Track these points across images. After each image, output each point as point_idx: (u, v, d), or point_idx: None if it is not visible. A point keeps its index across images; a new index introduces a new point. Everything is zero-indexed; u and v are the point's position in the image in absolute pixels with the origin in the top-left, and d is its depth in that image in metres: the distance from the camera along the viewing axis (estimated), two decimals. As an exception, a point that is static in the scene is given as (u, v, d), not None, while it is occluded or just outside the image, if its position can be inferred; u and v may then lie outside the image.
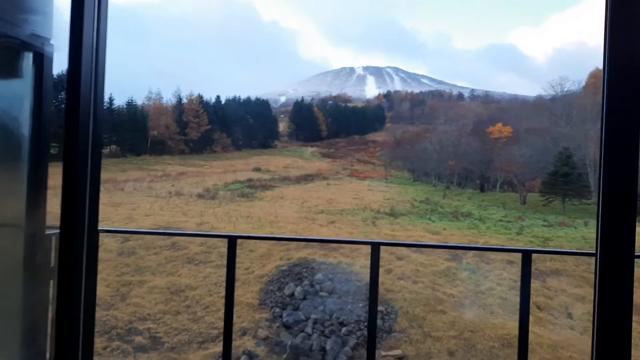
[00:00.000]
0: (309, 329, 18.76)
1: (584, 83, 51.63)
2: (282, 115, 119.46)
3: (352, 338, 18.71)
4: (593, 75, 52.28)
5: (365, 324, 19.66)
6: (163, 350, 14.99)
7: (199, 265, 22.13)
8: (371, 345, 3.22)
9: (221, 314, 18.23)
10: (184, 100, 78.09)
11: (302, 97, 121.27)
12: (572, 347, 17.56)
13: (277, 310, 19.45)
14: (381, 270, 24.22)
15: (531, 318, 20.30)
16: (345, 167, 58.48)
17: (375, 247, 3.26)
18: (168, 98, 79.82)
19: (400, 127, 77.33)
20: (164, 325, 16.93)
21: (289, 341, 18.15)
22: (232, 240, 3.31)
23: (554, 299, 20.29)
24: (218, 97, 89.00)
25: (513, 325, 18.75)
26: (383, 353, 18.55)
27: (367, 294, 21.18)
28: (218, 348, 15.38)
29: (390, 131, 78.08)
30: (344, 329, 19.04)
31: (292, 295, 20.48)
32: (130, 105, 69.23)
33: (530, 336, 18.66)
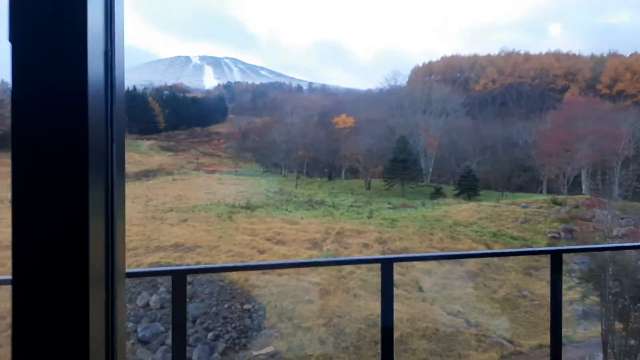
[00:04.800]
0: (170, 341, 16.98)
1: (407, 78, 57.89)
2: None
3: (220, 343, 17.57)
4: (415, 71, 58.95)
5: (234, 325, 18.61)
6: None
7: None
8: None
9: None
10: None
11: (134, 86, 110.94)
12: (427, 318, 19.21)
13: (130, 324, 17.45)
14: (203, 261, 23.10)
15: (389, 296, 21.61)
16: (190, 160, 55.27)
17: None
18: None
19: (244, 119, 76.27)
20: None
21: (148, 358, 16.36)
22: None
23: (406, 275, 21.95)
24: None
25: (375, 305, 19.69)
26: (254, 353, 17.75)
27: (231, 294, 20.07)
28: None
29: (234, 122, 76.50)
30: (210, 334, 17.80)
31: (147, 305, 18.45)
32: None
33: (391, 313, 19.80)
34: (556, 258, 2.82)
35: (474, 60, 53.70)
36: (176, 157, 58.32)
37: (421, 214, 28.18)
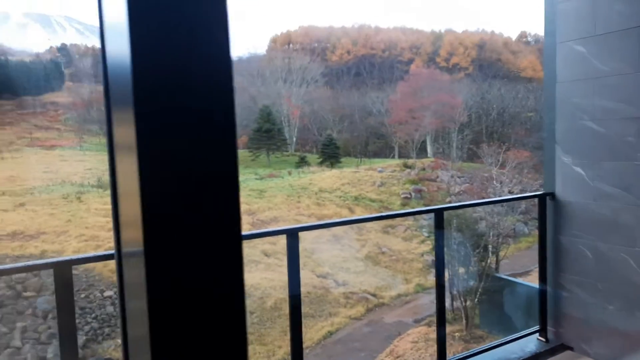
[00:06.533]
0: (17, 342, 15.21)
1: (266, 47, 57.41)
2: None
3: (79, 336, 16.01)
4: (273, 40, 58.59)
5: (94, 314, 17.12)
6: None
7: None
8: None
9: None
10: None
11: None
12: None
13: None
14: (50, 249, 21.19)
15: (261, 265, 21.73)
16: (21, 135, 47.58)
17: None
18: None
19: (86, 86, 67.97)
20: None
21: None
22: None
23: (277, 244, 22.29)
24: None
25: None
26: (120, 340, 16.60)
27: (88, 282, 18.34)
28: None
29: (74, 91, 67.67)
30: (66, 329, 16.08)
31: (-18, 305, 16.02)
32: None
33: (264, 282, 20.01)
34: (439, 216, 3.07)
35: (330, 31, 55.55)
36: (3, 132, 49.77)
37: (288, 183, 28.70)
